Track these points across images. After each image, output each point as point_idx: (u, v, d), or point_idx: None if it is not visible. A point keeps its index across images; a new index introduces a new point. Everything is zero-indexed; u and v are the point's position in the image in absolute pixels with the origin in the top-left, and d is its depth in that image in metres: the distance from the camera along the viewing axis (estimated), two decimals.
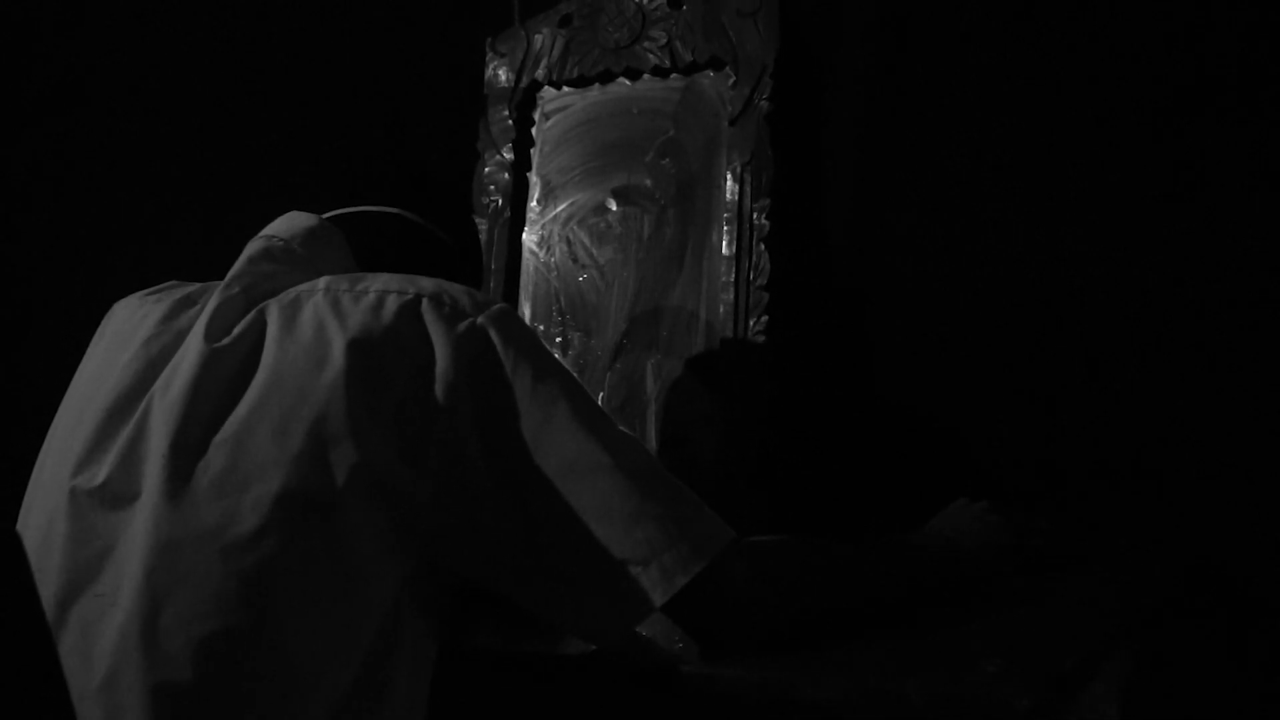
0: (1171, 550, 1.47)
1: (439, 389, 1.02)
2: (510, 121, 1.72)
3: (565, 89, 1.72)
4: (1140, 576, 1.39)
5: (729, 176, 1.58)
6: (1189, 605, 1.48)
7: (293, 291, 1.09)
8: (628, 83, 1.68)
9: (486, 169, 1.73)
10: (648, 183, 1.65)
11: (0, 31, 2.13)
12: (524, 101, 1.73)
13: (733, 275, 1.56)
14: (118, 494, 1.03)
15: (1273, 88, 1.47)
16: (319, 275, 1.11)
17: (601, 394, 1.61)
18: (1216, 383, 1.50)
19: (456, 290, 1.07)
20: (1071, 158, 1.56)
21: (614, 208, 1.67)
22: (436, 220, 1.28)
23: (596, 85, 1.70)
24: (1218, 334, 1.50)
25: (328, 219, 1.22)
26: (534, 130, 1.73)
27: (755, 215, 1.56)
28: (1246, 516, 1.48)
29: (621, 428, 1.07)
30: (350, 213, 1.24)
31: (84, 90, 2.09)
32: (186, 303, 1.13)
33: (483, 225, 1.69)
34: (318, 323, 1.04)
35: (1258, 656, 1.48)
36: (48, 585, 1.01)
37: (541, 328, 1.67)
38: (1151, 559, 1.44)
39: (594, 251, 1.67)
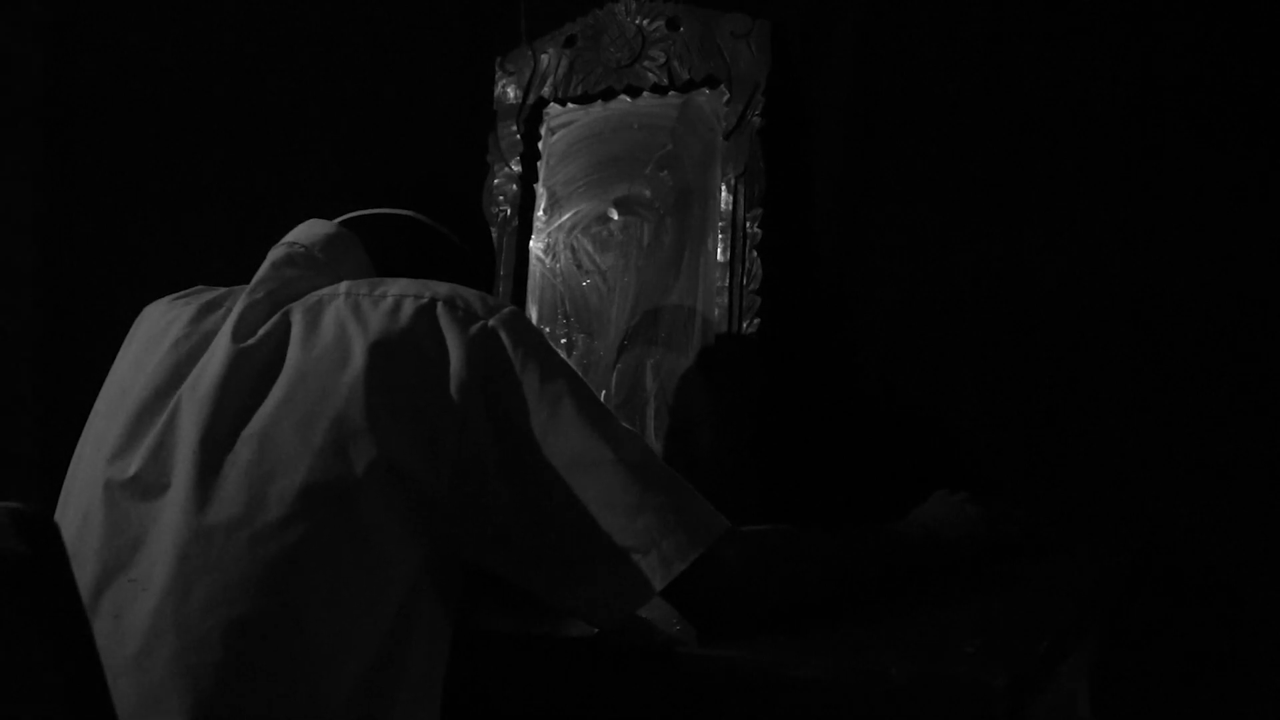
0: (1138, 537, 1.48)
1: (453, 387, 1.02)
2: (518, 136, 1.72)
3: (570, 105, 1.72)
4: (1109, 562, 1.39)
5: (723, 188, 1.58)
6: (1155, 589, 1.48)
7: (315, 295, 1.09)
8: (629, 100, 1.68)
9: (496, 180, 1.73)
10: (647, 193, 1.65)
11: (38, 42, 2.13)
12: (531, 117, 1.73)
13: (727, 280, 1.56)
14: (150, 485, 1.03)
15: (1243, 91, 1.47)
16: (339, 280, 1.11)
17: (604, 392, 1.61)
18: (1180, 381, 1.50)
19: (469, 294, 1.07)
20: (1042, 171, 1.56)
21: (615, 217, 1.67)
22: (450, 223, 1.28)
23: (599, 102, 1.70)
24: (1183, 335, 1.50)
25: (345, 221, 1.22)
26: (541, 144, 1.73)
27: (748, 224, 1.56)
28: (1209, 506, 1.48)
29: (623, 423, 1.08)
30: (367, 215, 1.24)
31: (121, 105, 2.09)
32: (213, 306, 1.13)
33: (492, 234, 1.69)
34: (339, 325, 1.05)
35: (1218, 637, 1.48)
36: (84, 571, 1.01)
37: (548, 330, 1.67)
38: (1119, 546, 1.45)
39: (597, 258, 1.67)
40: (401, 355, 1.02)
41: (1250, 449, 1.47)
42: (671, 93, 1.65)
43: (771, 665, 1.01)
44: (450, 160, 1.83)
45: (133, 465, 1.04)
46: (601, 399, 1.58)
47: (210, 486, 1.00)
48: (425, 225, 1.25)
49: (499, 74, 1.75)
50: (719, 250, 1.57)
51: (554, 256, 1.69)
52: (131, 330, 1.19)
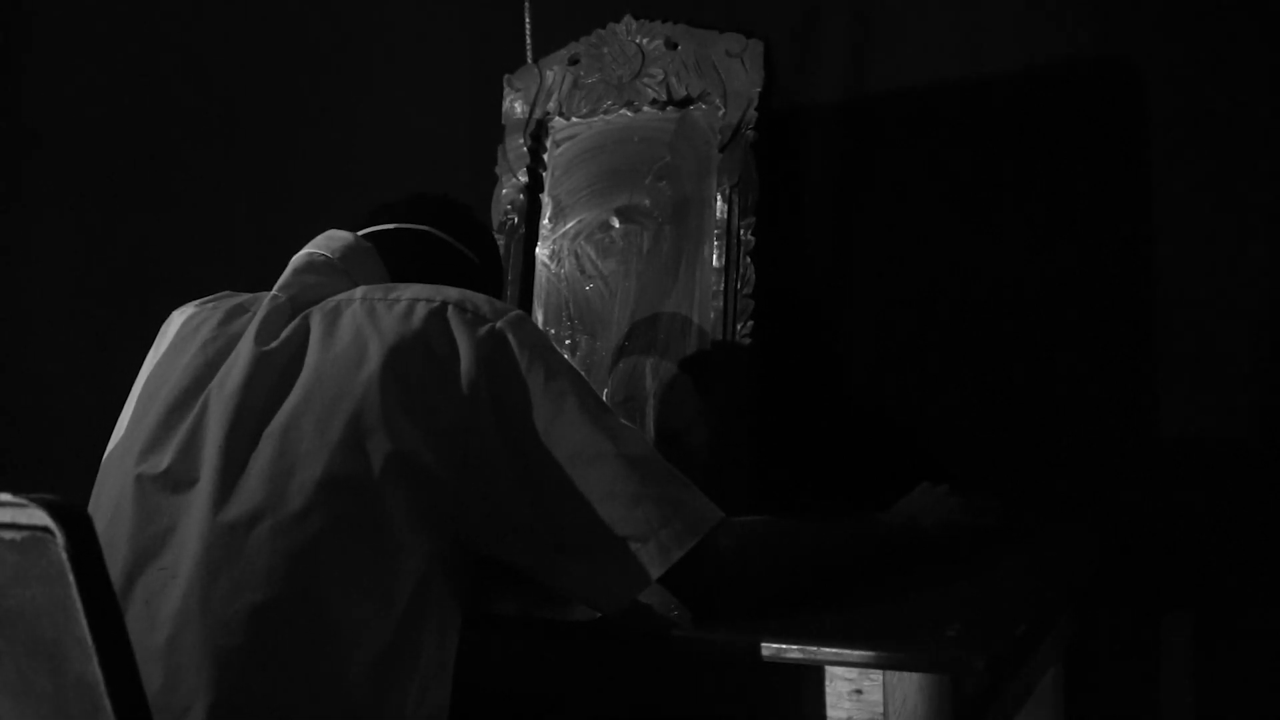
0: (1112, 527, 1.48)
1: (463, 385, 1.02)
2: (525, 148, 1.72)
3: (574, 119, 1.72)
4: (1083, 550, 1.39)
5: (719, 197, 1.58)
6: (1128, 575, 1.48)
7: (333, 300, 1.09)
8: (629, 114, 1.68)
9: (504, 190, 1.73)
10: (646, 203, 1.65)
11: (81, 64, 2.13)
12: (537, 131, 1.73)
13: (722, 285, 1.56)
14: (179, 479, 1.03)
15: (1233, 94, 1.47)
16: (356, 285, 1.12)
17: (605, 391, 1.61)
18: (1149, 378, 1.50)
19: (478, 298, 1.07)
20: (1022, 181, 1.56)
21: (617, 225, 1.67)
22: (460, 237, 1.28)
23: (601, 116, 1.70)
24: (1154, 335, 1.50)
25: (363, 235, 1.22)
26: (546, 156, 1.73)
27: (742, 232, 1.57)
28: (1184, 497, 1.48)
29: (623, 420, 1.08)
30: (384, 230, 1.24)
31: (153, 123, 2.09)
32: (239, 310, 1.13)
33: (500, 240, 1.70)
34: (355, 328, 1.05)
35: (1186, 619, 1.48)
36: (115, 561, 1.01)
37: (553, 331, 1.67)
38: (1093, 535, 1.45)
39: (599, 264, 1.67)
40: (414, 355, 1.02)
41: (1218, 442, 1.47)
42: (669, 108, 1.65)
43: (763, 648, 1.01)
44: (461, 172, 1.83)
45: (164, 460, 1.04)
46: (603, 397, 1.58)
47: (235, 481, 1.00)
48: (438, 238, 1.25)
49: (507, 90, 1.76)
50: (714, 256, 1.58)
51: (559, 262, 1.70)
52: (160, 333, 1.19)
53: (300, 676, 0.97)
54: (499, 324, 1.05)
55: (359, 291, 1.09)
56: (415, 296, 1.06)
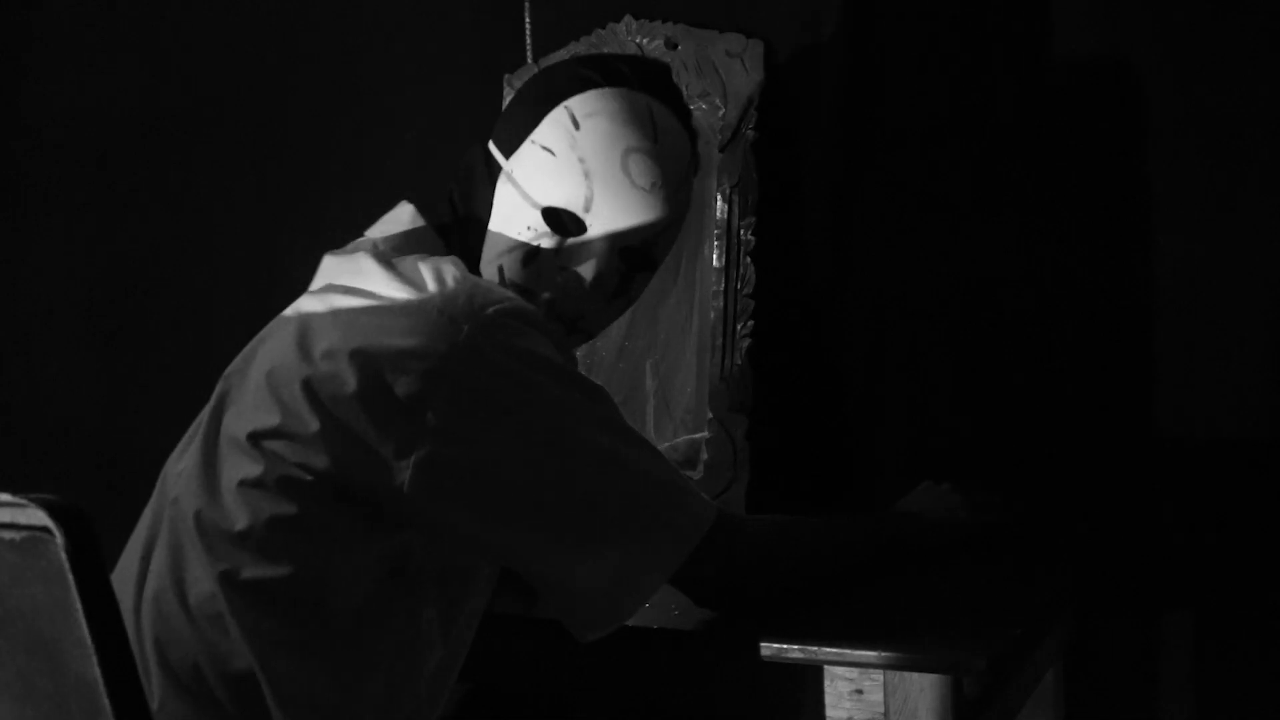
0: (1112, 527, 1.48)
1: (442, 388, 0.99)
2: None
3: None
4: (1081, 550, 1.39)
5: (719, 197, 1.58)
6: (1125, 574, 1.48)
7: (324, 298, 1.08)
8: None
9: None
10: None
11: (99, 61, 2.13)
12: None
13: (722, 285, 1.56)
14: (177, 481, 1.04)
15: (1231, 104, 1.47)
16: (388, 270, 1.06)
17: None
18: (1143, 378, 1.50)
19: (459, 294, 1.03)
20: (1020, 181, 1.56)
21: None
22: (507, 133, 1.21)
23: None
24: (1147, 336, 1.50)
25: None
26: None
27: (742, 232, 1.57)
28: (1177, 497, 1.48)
29: (623, 419, 1.07)
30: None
31: (163, 129, 2.09)
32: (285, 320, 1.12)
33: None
34: (317, 330, 1.03)
35: (1185, 618, 1.48)
36: (131, 565, 1.03)
37: None
38: (1093, 535, 1.44)
39: None
40: (386, 360, 0.99)
41: (1218, 442, 1.47)
42: None
43: (763, 648, 1.01)
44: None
45: (184, 459, 1.05)
46: None
47: (213, 485, 1.00)
48: (480, 153, 1.20)
49: (507, 90, 1.75)
50: (715, 256, 1.58)
51: None
52: None
53: (299, 677, 0.97)
54: (476, 324, 1.01)
55: (336, 290, 1.06)
56: (393, 295, 1.03)
